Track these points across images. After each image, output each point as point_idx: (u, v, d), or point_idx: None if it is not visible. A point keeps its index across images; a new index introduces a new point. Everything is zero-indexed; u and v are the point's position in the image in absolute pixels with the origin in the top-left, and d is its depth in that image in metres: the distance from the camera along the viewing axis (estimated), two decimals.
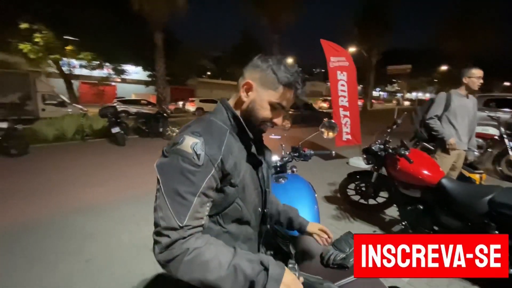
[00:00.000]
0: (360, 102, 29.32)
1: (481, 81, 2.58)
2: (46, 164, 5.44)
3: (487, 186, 2.08)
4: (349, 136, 5.28)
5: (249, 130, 0.85)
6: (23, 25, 14.40)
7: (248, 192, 0.86)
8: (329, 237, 1.11)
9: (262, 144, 1.01)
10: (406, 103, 43.89)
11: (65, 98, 13.83)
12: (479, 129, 4.96)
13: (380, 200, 3.07)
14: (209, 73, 31.71)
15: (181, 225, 0.69)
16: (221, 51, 23.41)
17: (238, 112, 0.87)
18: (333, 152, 1.86)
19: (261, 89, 0.83)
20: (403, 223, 2.41)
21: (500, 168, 4.65)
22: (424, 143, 3.26)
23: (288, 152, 1.76)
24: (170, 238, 0.68)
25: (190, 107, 19.29)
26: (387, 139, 2.56)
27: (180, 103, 20.21)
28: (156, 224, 0.72)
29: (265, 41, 22.97)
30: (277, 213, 1.15)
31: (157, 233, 0.71)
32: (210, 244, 0.72)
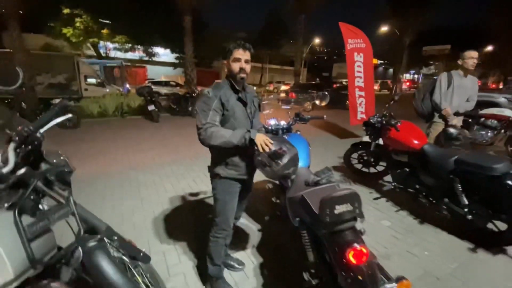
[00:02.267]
0: (375, 86, 27.71)
1: (475, 61, 2.87)
2: (96, 135, 6.45)
3: (454, 149, 2.48)
4: (363, 116, 5.61)
5: (236, 83, 1.55)
6: (65, 10, 15.66)
7: (238, 117, 1.56)
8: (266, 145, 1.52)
9: (249, 94, 1.65)
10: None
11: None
12: (495, 111, 5.06)
13: (380, 169, 3.52)
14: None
15: (205, 122, 1.45)
16: (247, 33, 23.47)
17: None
18: (325, 116, 2.37)
19: (228, 60, 1.55)
20: (393, 184, 2.88)
21: None
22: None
23: (292, 117, 2.29)
24: (202, 128, 1.45)
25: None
26: (384, 113, 2.98)
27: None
28: (197, 126, 1.48)
29: (291, 21, 22.56)
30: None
31: (198, 128, 1.47)
32: (220, 128, 1.48)
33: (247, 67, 1.53)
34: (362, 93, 5.45)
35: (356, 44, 5.19)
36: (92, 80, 13.67)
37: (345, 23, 5.22)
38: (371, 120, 3.02)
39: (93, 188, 3.40)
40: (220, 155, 1.57)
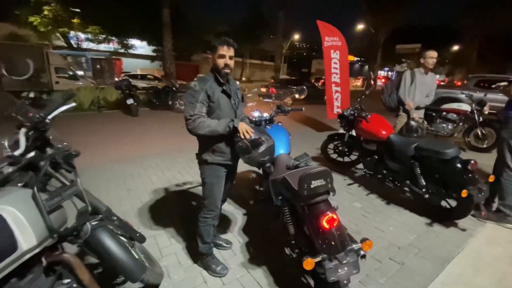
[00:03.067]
0: (358, 82, 28.93)
1: (434, 60, 3.24)
2: (73, 130, 6.26)
3: (415, 138, 2.83)
4: (339, 110, 5.96)
5: (220, 77, 1.69)
6: None
7: (223, 108, 1.70)
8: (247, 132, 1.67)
9: (232, 86, 1.81)
10: None
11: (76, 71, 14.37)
12: (455, 105, 5.60)
13: (353, 158, 3.84)
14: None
15: (193, 113, 1.58)
16: (227, 26, 23.25)
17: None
18: (303, 108, 2.60)
19: (213, 55, 1.68)
20: (364, 171, 3.19)
21: (469, 139, 5.35)
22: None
23: (274, 110, 2.49)
24: (190, 119, 1.58)
25: None
26: (357, 106, 3.27)
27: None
28: (185, 118, 1.60)
29: (271, 17, 22.72)
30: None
31: (186, 120, 1.60)
32: (207, 118, 1.62)
33: (231, 63, 1.68)
34: (338, 89, 5.78)
35: (332, 42, 5.49)
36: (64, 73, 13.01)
37: (322, 22, 5.49)
38: (345, 113, 3.30)
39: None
40: (207, 143, 1.72)
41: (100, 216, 1.39)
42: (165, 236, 2.29)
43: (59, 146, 1.24)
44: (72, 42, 19.10)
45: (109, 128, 6.51)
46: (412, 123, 3.13)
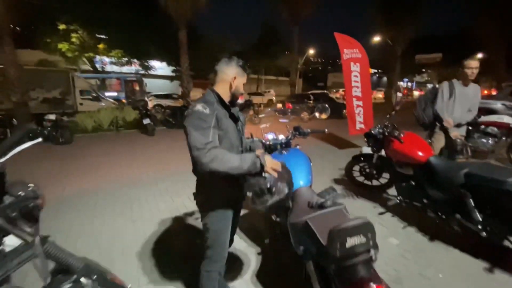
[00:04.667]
0: (380, 95, 27.94)
1: (474, 71, 2.79)
2: (90, 150, 6.28)
3: (463, 162, 2.35)
4: (362, 125, 5.52)
5: (231, 102, 1.44)
6: (61, 26, 15.74)
7: (231, 135, 1.40)
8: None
9: (237, 110, 1.52)
10: None
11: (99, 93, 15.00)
12: (495, 118, 5.00)
13: (383, 181, 3.38)
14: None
15: (207, 141, 1.20)
16: (242, 45, 23.76)
17: (224, 93, 1.42)
18: (326, 129, 2.24)
19: (239, 77, 1.44)
20: (398, 198, 2.73)
21: None
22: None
23: (291, 131, 2.17)
24: (204, 150, 1.17)
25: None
26: (386, 123, 2.87)
27: None
28: (194, 147, 1.19)
29: (285, 33, 22.94)
30: (248, 147, 1.68)
31: (197, 150, 1.18)
32: (225, 151, 1.24)
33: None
34: (360, 103, 5.38)
35: (352, 54, 5.16)
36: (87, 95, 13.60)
37: (340, 34, 5.21)
38: (373, 132, 2.90)
39: (83, 205, 3.24)
40: (215, 181, 1.36)
41: (74, 277, 1.10)
42: (167, 282, 1.96)
43: (20, 193, 0.99)
44: (97, 65, 20.23)
45: (124, 148, 6.47)
46: (458, 141, 2.66)
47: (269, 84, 36.08)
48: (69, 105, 13.32)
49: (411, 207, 2.66)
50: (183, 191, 3.63)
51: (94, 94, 14.11)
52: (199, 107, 1.28)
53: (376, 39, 23.26)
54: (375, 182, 3.45)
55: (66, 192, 3.68)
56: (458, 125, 2.96)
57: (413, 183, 2.62)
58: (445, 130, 2.97)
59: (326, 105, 2.21)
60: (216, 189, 1.40)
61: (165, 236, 2.60)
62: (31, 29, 16.74)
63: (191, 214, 3.02)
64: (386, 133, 2.71)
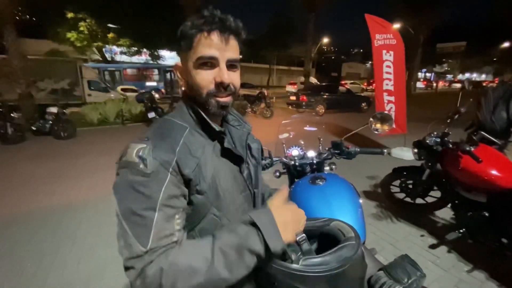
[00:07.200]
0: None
1: None
2: (91, 146, 5.84)
3: None
4: (393, 125, 4.77)
5: (212, 118, 0.69)
6: (69, 14, 15.37)
7: (229, 198, 0.68)
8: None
9: (237, 129, 0.82)
10: (457, 85, 38.66)
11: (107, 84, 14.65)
12: None
13: (429, 199, 2.70)
14: (240, 56, 31.39)
15: (145, 250, 0.52)
16: (254, 34, 22.80)
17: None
18: (385, 151, 1.58)
19: (184, 61, 0.68)
20: (461, 231, 2.06)
21: None
22: (485, 134, 2.60)
23: (327, 148, 1.53)
24: (136, 269, 0.52)
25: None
26: (446, 131, 2.17)
27: None
28: (124, 257, 0.54)
29: (299, 21, 21.76)
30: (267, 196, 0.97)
31: (125, 267, 0.54)
32: (182, 246, 0.56)
33: (234, 78, 0.67)
34: (392, 98, 4.61)
35: (385, 40, 4.37)
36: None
37: (372, 16, 4.41)
38: (427, 141, 2.21)
39: (83, 216, 2.72)
40: None
41: None
42: None
43: None
44: (107, 55, 19.95)
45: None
46: None
47: (280, 74, 35.04)
48: (77, 96, 13.08)
49: (480, 246, 1.99)
50: None
51: (103, 85, 13.80)
52: (132, 150, 0.59)
53: (396, 26, 21.80)
54: (418, 200, 2.77)
55: (56, 201, 3.20)
56: None
57: (487, 214, 1.94)
58: None
59: (386, 113, 1.55)
60: None
61: None
62: (42, 19, 16.51)
63: None
64: (450, 145, 2.02)
